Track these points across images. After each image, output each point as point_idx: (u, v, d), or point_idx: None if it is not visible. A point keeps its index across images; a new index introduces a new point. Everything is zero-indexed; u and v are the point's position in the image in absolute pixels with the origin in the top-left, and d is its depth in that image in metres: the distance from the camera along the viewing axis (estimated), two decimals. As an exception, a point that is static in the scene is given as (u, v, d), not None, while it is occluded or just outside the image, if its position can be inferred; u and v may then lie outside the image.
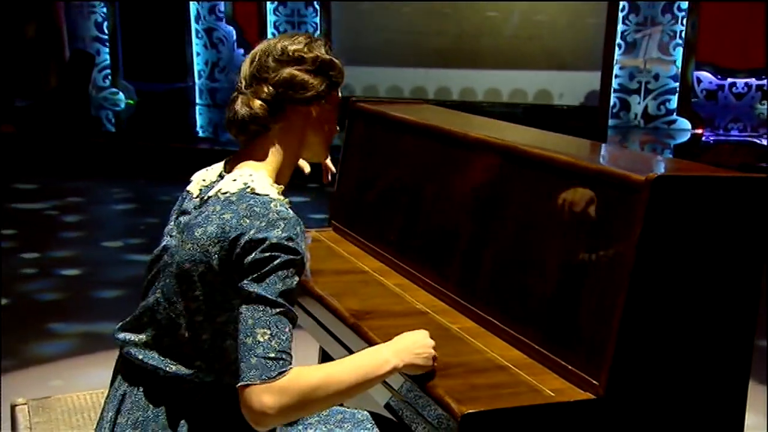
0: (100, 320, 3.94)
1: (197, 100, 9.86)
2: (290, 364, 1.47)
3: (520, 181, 1.90)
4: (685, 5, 8.74)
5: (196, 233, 1.57)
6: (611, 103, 8.90)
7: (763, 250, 1.65)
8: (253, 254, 1.50)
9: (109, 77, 9.64)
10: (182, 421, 1.61)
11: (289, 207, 1.60)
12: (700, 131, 8.80)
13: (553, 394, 1.60)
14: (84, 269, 4.83)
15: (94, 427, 1.72)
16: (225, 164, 1.73)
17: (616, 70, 8.91)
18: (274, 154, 1.68)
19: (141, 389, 1.62)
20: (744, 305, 1.67)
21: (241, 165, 1.67)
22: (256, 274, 1.49)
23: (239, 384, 1.44)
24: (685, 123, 8.90)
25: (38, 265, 4.93)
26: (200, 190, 1.70)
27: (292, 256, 1.51)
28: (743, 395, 1.74)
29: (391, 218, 2.35)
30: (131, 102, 9.75)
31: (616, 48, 8.86)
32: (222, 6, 9.53)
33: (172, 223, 1.70)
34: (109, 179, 7.12)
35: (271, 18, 9.23)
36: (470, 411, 1.51)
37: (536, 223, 1.84)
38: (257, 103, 1.62)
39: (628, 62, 8.94)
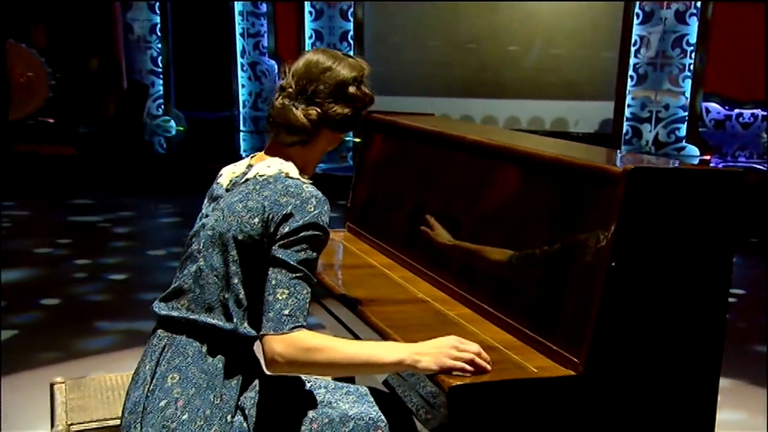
0: (141, 319, 3.97)
1: (241, 128, 9.97)
2: (303, 322, 1.59)
3: (510, 179, 1.91)
4: (693, 39, 8.68)
5: (237, 207, 1.68)
6: (624, 131, 8.85)
7: (733, 239, 1.64)
8: (288, 227, 1.61)
9: (162, 106, 9.79)
10: (220, 364, 1.67)
11: (317, 190, 1.70)
12: (708, 157, 8.71)
13: (536, 370, 1.61)
14: (129, 274, 4.90)
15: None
16: (250, 159, 1.83)
17: (628, 100, 8.87)
18: (298, 158, 1.77)
19: (182, 337, 1.69)
20: (715, 290, 1.67)
21: (269, 159, 1.77)
22: (285, 242, 1.61)
23: (260, 333, 1.59)
24: (693, 150, 8.81)
25: (89, 270, 5.00)
26: (230, 180, 1.80)
27: (318, 232, 1.63)
28: (716, 374, 1.72)
29: (398, 218, 2.37)
30: (181, 129, 9.88)
31: (629, 80, 8.82)
32: (265, 42, 9.67)
33: (205, 208, 1.80)
34: (157, 196, 7.25)
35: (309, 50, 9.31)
36: (457, 383, 1.52)
37: (525, 217, 1.85)
38: (305, 120, 1.73)
39: (640, 93, 8.89)
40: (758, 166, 8.39)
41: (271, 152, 1.79)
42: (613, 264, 1.56)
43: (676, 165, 1.68)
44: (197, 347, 1.69)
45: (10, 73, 8.60)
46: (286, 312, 1.57)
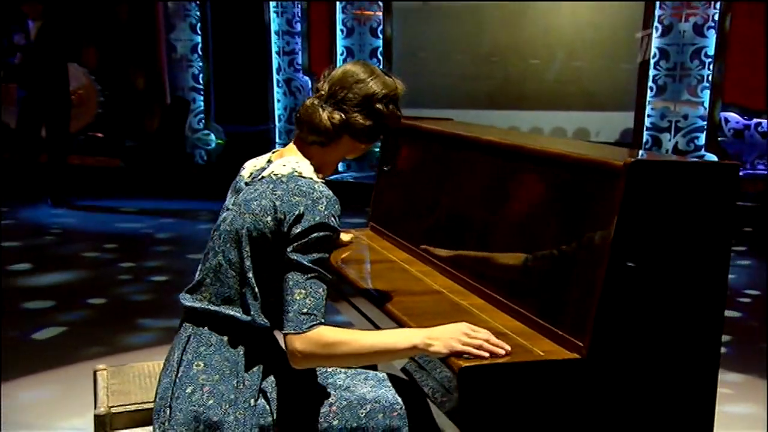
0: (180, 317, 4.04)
1: (277, 140, 10.02)
2: (321, 319, 1.62)
3: (519, 175, 1.93)
4: (711, 51, 8.58)
5: (252, 205, 1.69)
6: (644, 140, 8.76)
7: (730, 229, 1.64)
8: (299, 227, 1.63)
9: (203, 120, 9.89)
10: (241, 352, 1.71)
11: (328, 189, 1.71)
12: (727, 166, 8.59)
13: (543, 354, 1.63)
14: (170, 276, 4.97)
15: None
16: (272, 154, 1.85)
17: (648, 110, 8.78)
18: (315, 157, 1.79)
19: (205, 328, 1.74)
20: (713, 278, 1.67)
21: (289, 155, 1.78)
22: (298, 244, 1.62)
23: (283, 332, 1.62)
24: (712, 158, 8.69)
25: (133, 272, 5.08)
26: (251, 173, 1.83)
27: (328, 233, 1.64)
28: (715, 360, 1.72)
29: (417, 216, 2.40)
30: (221, 142, 9.97)
31: (648, 90, 8.73)
32: (299, 59, 9.73)
33: (228, 200, 1.83)
34: (197, 204, 7.33)
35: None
36: (467, 365, 1.55)
37: (533, 211, 1.87)
38: (328, 122, 1.74)
39: (659, 103, 8.80)
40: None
41: (292, 148, 1.80)
42: (630, 264, 1.57)
43: (675, 158, 1.69)
44: (219, 337, 1.73)
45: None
46: (305, 311, 1.60)
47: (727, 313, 4.30)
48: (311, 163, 1.76)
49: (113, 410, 2.08)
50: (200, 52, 9.71)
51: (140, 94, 9.66)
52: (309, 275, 1.62)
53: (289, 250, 1.63)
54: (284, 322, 1.62)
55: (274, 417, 1.69)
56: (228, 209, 1.79)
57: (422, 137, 2.48)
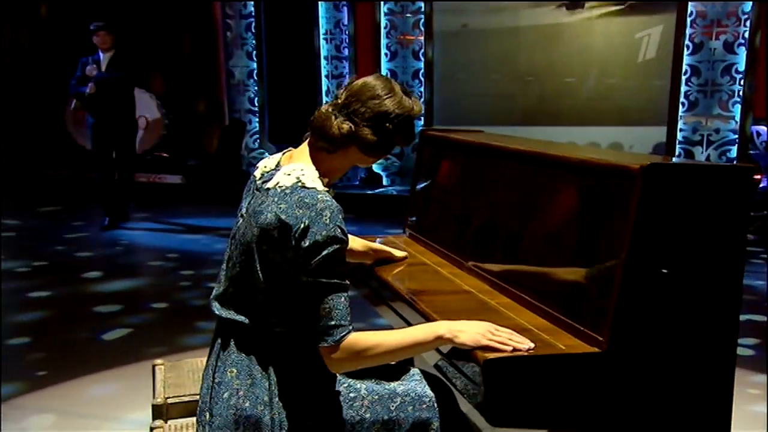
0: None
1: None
2: (349, 327, 1.61)
3: (542, 181, 1.92)
4: (742, 67, 8.41)
5: (260, 219, 1.63)
6: (676, 153, 8.61)
7: (744, 229, 1.62)
8: (307, 242, 1.57)
9: (258, 140, 10.02)
10: (269, 357, 1.69)
11: (333, 197, 1.65)
12: (759, 177, 8.37)
13: (564, 348, 1.61)
14: (227, 283, 5.05)
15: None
16: (282, 155, 1.79)
17: (680, 125, 8.64)
18: (323, 163, 1.72)
19: (235, 336, 1.72)
20: (728, 276, 1.64)
21: (296, 158, 1.73)
22: (312, 265, 1.57)
23: (318, 345, 1.60)
24: (744, 169, 8.49)
25: (192, 280, 5.19)
26: (262, 174, 1.77)
27: (337, 245, 1.59)
28: (732, 354, 1.69)
29: (449, 221, 2.40)
30: (275, 160, 10.08)
31: (680, 106, 8.59)
32: (347, 81, 9.79)
33: (243, 203, 1.78)
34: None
35: (384, 88, 9.41)
36: (491, 357, 1.55)
37: (556, 213, 1.86)
38: (336, 131, 1.67)
39: (691, 118, 8.65)
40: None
41: (302, 151, 1.74)
42: (665, 271, 1.56)
43: (690, 161, 1.67)
44: (248, 344, 1.70)
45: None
46: (333, 323, 1.59)
47: (756, 317, 4.23)
48: (318, 169, 1.70)
49: (169, 401, 2.14)
50: (256, 77, 9.86)
51: (201, 117, 9.85)
52: (329, 290, 1.59)
53: (304, 270, 1.58)
54: (317, 336, 1.60)
55: (309, 414, 1.68)
56: (242, 216, 1.75)
57: (453, 148, 2.49)
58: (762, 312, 4.38)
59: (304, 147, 1.75)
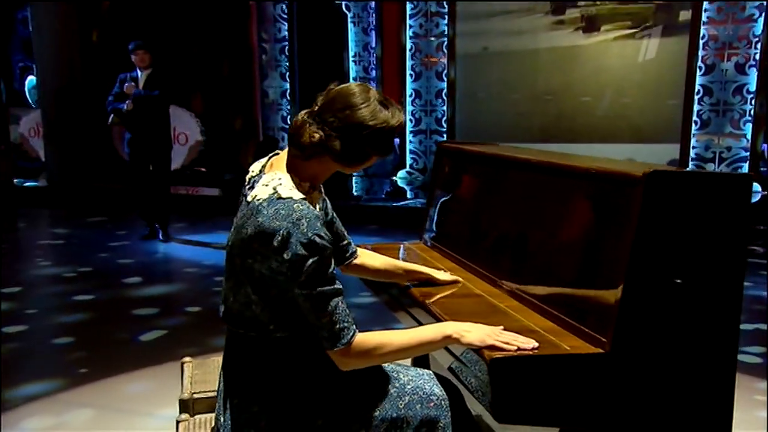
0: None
1: (354, 173, 10.15)
2: (352, 329, 1.56)
3: (550, 188, 1.90)
4: (753, 88, 8.29)
5: (241, 233, 1.57)
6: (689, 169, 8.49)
7: (744, 235, 1.58)
8: (289, 254, 1.49)
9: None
10: (273, 362, 1.64)
11: (309, 205, 1.56)
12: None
13: (569, 348, 1.59)
14: (257, 288, 5.06)
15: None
16: (268, 159, 1.71)
17: (693, 143, 8.53)
18: (301, 169, 1.63)
19: (241, 344, 1.67)
20: (729, 279, 1.60)
21: (276, 166, 1.65)
22: (300, 279, 1.50)
23: (326, 350, 1.57)
24: (756, 186, 8.33)
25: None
26: (249, 179, 1.71)
27: (319, 254, 1.51)
28: (733, 357, 1.64)
29: (462, 229, 2.38)
30: (306, 174, 10.14)
31: (693, 124, 8.50)
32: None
33: (239, 210, 1.68)
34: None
35: (408, 108, 9.44)
36: (498, 356, 1.52)
37: (563, 219, 1.84)
38: (307, 139, 1.58)
39: (703, 137, 8.54)
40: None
41: (282, 158, 1.66)
42: (679, 281, 1.54)
43: (690, 170, 1.64)
44: (254, 350, 1.64)
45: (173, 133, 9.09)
46: (337, 327, 1.53)
47: (763, 326, 4.13)
48: (297, 175, 1.62)
49: (195, 396, 2.14)
50: (288, 97, 9.96)
51: (237, 134, 9.95)
52: (324, 298, 1.53)
53: (295, 284, 1.52)
54: (323, 343, 1.55)
55: (319, 413, 1.64)
56: (233, 227, 1.66)
57: (467, 159, 2.48)
58: (770, 321, 4.28)
59: (284, 154, 1.67)
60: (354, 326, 1.57)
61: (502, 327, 1.62)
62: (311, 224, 1.52)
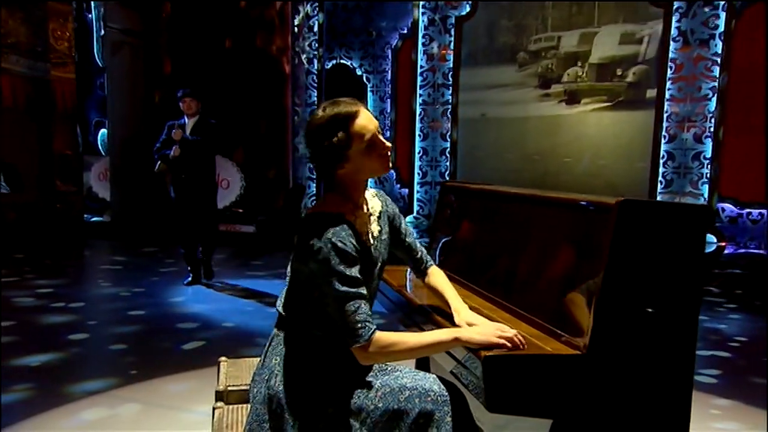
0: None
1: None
2: (373, 326, 1.55)
3: (537, 216, 1.91)
4: (708, 155, 8.34)
5: (295, 242, 1.65)
6: (655, 222, 8.47)
7: (701, 255, 1.59)
8: (316, 261, 1.53)
9: (314, 201, 10.17)
10: (306, 354, 1.67)
11: (343, 217, 1.60)
12: (724, 244, 8.19)
13: (551, 349, 1.58)
14: (283, 309, 5.05)
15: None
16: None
17: (658, 199, 8.53)
18: (336, 191, 1.68)
19: (283, 332, 1.71)
20: (689, 293, 1.60)
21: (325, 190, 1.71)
22: (326, 279, 1.53)
23: (350, 347, 1.57)
24: (711, 238, 8.30)
25: (254, 306, 5.19)
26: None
27: (340, 257, 1.53)
28: (691, 364, 1.63)
29: (462, 253, 2.39)
30: (328, 217, 10.16)
31: (659, 184, 8.52)
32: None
33: None
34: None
35: (417, 162, 9.53)
36: (490, 354, 1.52)
37: (547, 243, 1.85)
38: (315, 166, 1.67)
39: (667, 195, 8.55)
40: (762, 253, 7.82)
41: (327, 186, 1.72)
42: (650, 310, 1.54)
43: (657, 200, 1.66)
44: (292, 340, 1.68)
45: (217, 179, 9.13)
46: (359, 326, 1.54)
47: (720, 353, 4.09)
48: (336, 194, 1.66)
49: (229, 388, 2.13)
50: (315, 152, 10.07)
51: (271, 182, 10.03)
52: (346, 299, 1.54)
53: (323, 286, 1.54)
54: (346, 339, 1.55)
55: (330, 401, 1.64)
56: None
57: (467, 194, 2.51)
58: (724, 349, 4.24)
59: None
60: (373, 326, 1.57)
61: (509, 326, 1.61)
62: (336, 232, 1.55)
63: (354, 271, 1.57)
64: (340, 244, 1.54)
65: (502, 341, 1.54)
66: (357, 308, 1.54)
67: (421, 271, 2.01)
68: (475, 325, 1.68)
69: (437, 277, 2.02)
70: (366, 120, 1.63)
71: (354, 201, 1.70)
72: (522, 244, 1.97)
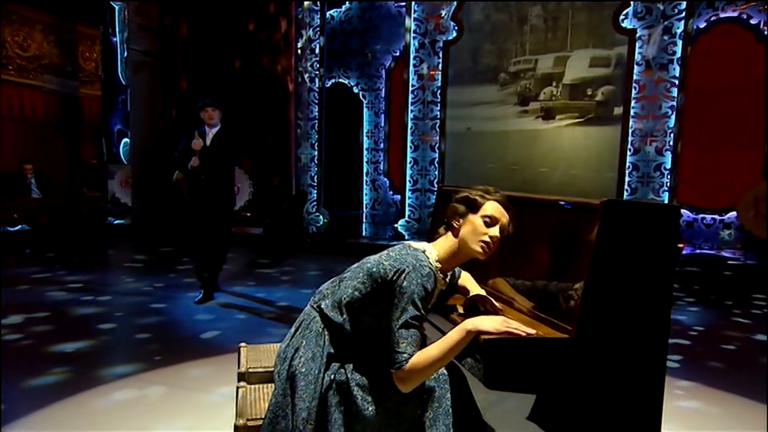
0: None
1: (363, 221, 10.19)
2: (411, 354, 1.57)
3: (530, 216, 1.93)
4: (668, 166, 8.43)
5: (369, 260, 1.73)
6: (621, 226, 8.52)
7: (674, 249, 1.62)
8: (395, 293, 1.60)
9: (315, 206, 10.15)
10: (329, 343, 1.68)
11: (436, 270, 1.70)
12: (681, 245, 8.27)
13: (543, 334, 1.61)
14: (289, 302, 5.04)
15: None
16: None
17: (624, 205, 8.60)
18: (440, 244, 1.80)
19: (314, 318, 1.72)
20: (663, 284, 1.63)
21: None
22: (396, 309, 1.59)
23: (390, 368, 1.59)
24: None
25: (264, 299, 5.17)
26: None
27: (416, 303, 1.60)
28: (664, 349, 1.66)
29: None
30: (326, 221, 10.15)
31: (625, 192, 8.59)
32: (381, 166, 9.94)
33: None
34: (309, 260, 7.45)
35: (408, 171, 9.54)
36: (488, 338, 1.54)
37: (540, 240, 1.87)
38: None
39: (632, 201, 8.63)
40: (716, 253, 7.91)
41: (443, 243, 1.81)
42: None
43: (637, 200, 1.69)
44: (320, 328, 1.70)
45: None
46: (406, 353, 1.57)
47: (680, 341, 4.14)
48: (438, 250, 1.78)
49: (250, 370, 2.14)
50: (316, 161, 10.05)
51: (276, 188, 10.01)
52: (406, 328, 1.58)
53: (393, 312, 1.59)
54: (389, 360, 1.59)
55: (343, 387, 1.65)
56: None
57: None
58: (684, 337, 4.31)
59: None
60: (412, 353, 1.58)
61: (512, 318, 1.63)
62: (429, 276, 1.65)
63: (423, 312, 1.62)
64: (429, 287, 1.63)
65: (510, 329, 1.56)
66: (413, 337, 1.58)
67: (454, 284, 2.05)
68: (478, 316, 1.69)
69: (465, 276, 2.07)
70: (493, 210, 1.77)
71: (450, 265, 1.77)
72: (515, 241, 1.99)
